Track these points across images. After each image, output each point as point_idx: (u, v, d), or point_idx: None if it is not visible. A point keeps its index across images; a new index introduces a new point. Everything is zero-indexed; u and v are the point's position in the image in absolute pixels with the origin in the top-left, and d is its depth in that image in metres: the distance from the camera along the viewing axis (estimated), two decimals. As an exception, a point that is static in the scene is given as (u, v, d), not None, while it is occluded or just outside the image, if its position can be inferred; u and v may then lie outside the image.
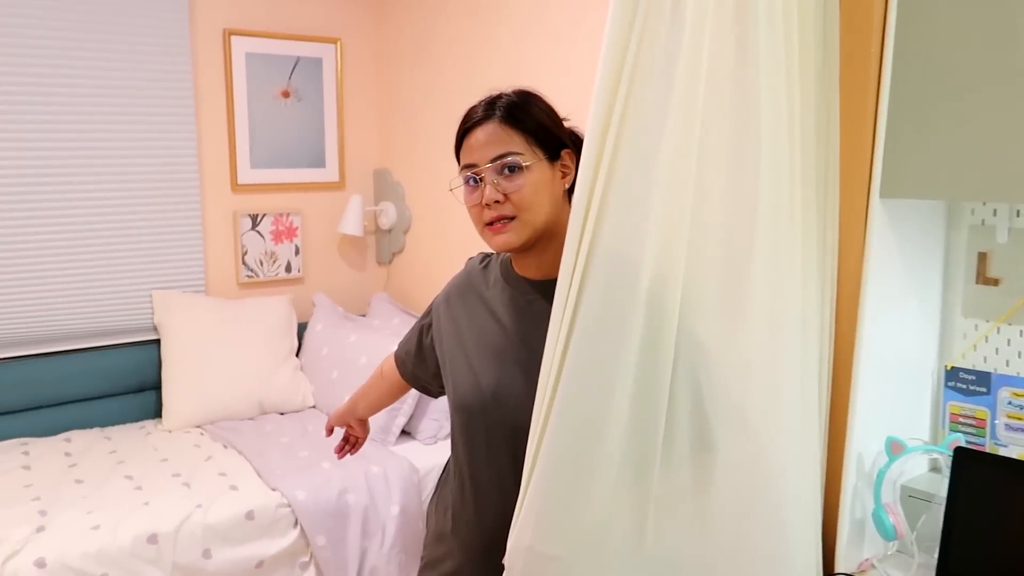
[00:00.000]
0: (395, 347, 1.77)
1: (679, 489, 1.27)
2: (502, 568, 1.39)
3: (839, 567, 1.52)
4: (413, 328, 1.71)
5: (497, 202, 1.34)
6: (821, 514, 1.49)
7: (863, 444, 1.53)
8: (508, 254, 1.51)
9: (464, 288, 1.56)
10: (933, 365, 1.67)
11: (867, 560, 1.56)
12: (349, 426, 1.90)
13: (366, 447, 2.65)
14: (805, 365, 1.40)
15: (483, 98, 1.42)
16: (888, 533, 1.50)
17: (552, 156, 1.39)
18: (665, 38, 1.21)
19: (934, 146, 1.40)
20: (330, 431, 1.92)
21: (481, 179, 1.36)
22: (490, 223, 1.36)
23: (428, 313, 1.65)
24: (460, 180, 1.40)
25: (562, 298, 1.23)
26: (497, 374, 1.44)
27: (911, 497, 1.57)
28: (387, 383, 1.80)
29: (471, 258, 1.62)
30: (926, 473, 1.65)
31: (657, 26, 1.21)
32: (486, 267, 1.56)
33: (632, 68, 1.21)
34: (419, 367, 1.68)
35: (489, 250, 1.54)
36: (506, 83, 1.47)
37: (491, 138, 1.35)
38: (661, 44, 1.21)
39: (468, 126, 1.38)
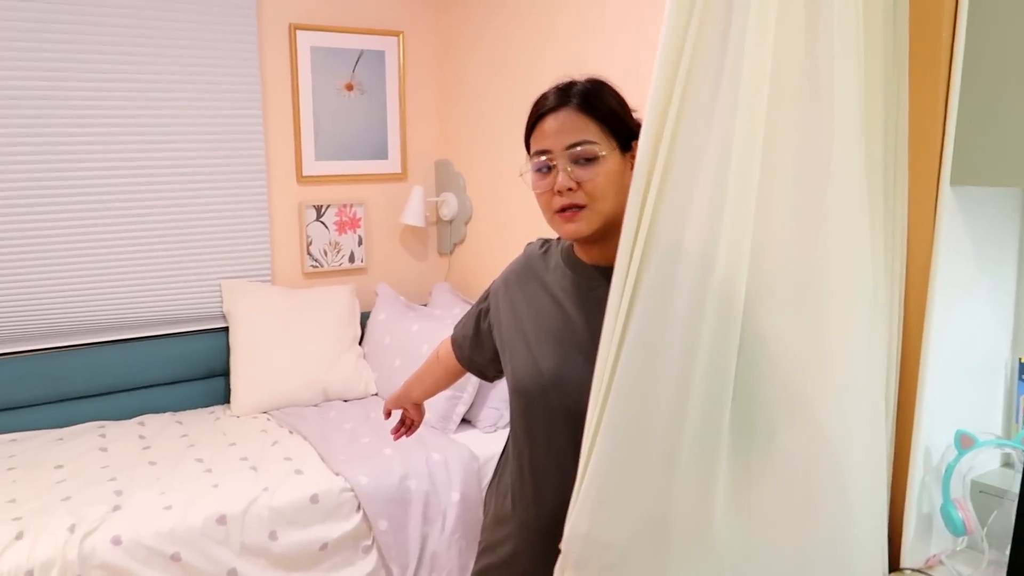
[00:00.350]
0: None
1: (741, 481, 1.26)
2: (559, 551, 1.41)
3: (905, 562, 1.49)
4: (470, 312, 1.72)
5: (570, 190, 1.34)
6: (887, 509, 1.46)
7: (931, 437, 1.49)
8: (549, 239, 1.54)
9: (523, 272, 1.57)
10: (1006, 357, 1.62)
11: (935, 556, 1.52)
12: (405, 409, 1.93)
13: (427, 434, 2.71)
14: (874, 357, 1.37)
15: (555, 84, 1.41)
16: (957, 528, 1.46)
17: (624, 146, 1.39)
18: (725, 22, 1.19)
19: (1009, 132, 1.36)
20: (387, 414, 1.96)
21: (553, 166, 1.35)
22: (561, 210, 1.36)
23: (486, 298, 1.66)
24: (529, 166, 1.40)
25: (619, 286, 1.23)
26: (558, 359, 1.45)
27: (982, 492, 1.52)
28: (443, 367, 1.82)
29: (530, 243, 1.63)
30: (998, 468, 1.60)
31: (717, 10, 1.19)
32: (546, 252, 1.57)
33: (691, 54, 1.20)
34: (476, 351, 1.70)
35: (548, 236, 1.55)
36: (568, 74, 1.47)
37: (566, 125, 1.35)
38: (720, 29, 1.19)
39: (542, 112, 1.38)
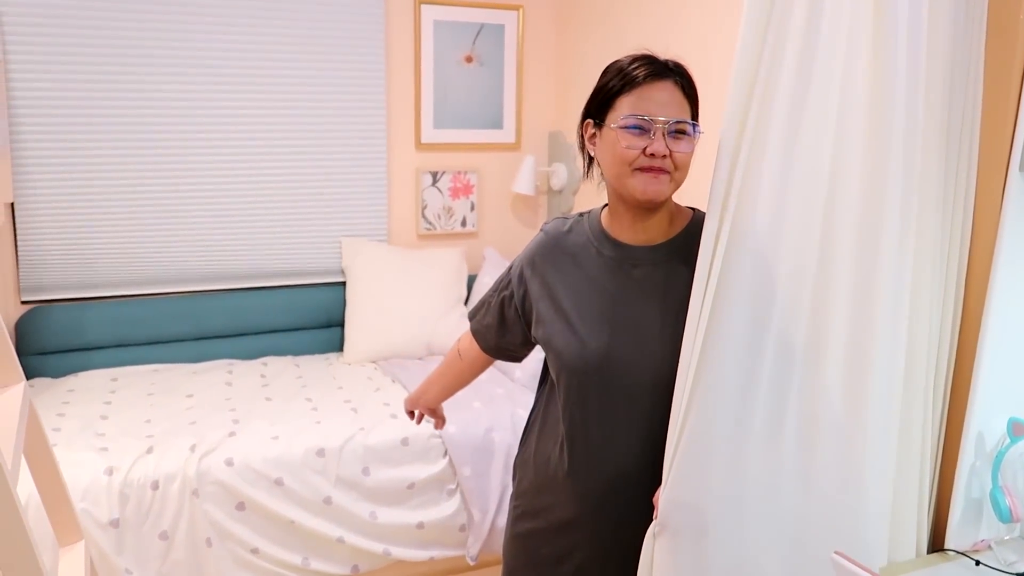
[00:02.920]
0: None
1: (791, 453, 1.36)
2: (616, 514, 1.55)
3: (950, 544, 1.50)
4: (486, 303, 1.72)
5: (663, 156, 1.40)
6: (928, 491, 1.49)
7: (985, 423, 1.49)
8: (596, 219, 1.57)
9: (550, 252, 1.59)
10: (1076, 349, 1.58)
11: (983, 541, 1.52)
12: (422, 411, 1.94)
13: (516, 391, 2.84)
14: (913, 347, 1.41)
15: (641, 54, 1.46)
16: (1004, 515, 1.46)
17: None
18: (801, 25, 1.27)
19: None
20: (410, 414, 1.97)
21: (651, 129, 1.39)
22: (648, 168, 1.40)
23: (507, 285, 1.67)
24: (619, 122, 1.41)
25: (701, 284, 1.34)
26: (606, 337, 1.49)
27: (1039, 483, 1.51)
28: (466, 362, 1.81)
29: (547, 223, 1.65)
30: (1062, 461, 1.57)
31: (790, 17, 1.27)
32: (570, 231, 1.60)
33: (769, 63, 1.28)
34: (504, 338, 1.70)
35: (564, 215, 1.63)
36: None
37: (673, 99, 1.41)
38: (795, 33, 1.27)
39: (647, 75, 1.41)
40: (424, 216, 3.72)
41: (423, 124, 3.64)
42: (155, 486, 2.33)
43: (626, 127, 1.40)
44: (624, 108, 1.41)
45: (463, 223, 3.80)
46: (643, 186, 1.41)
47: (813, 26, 1.28)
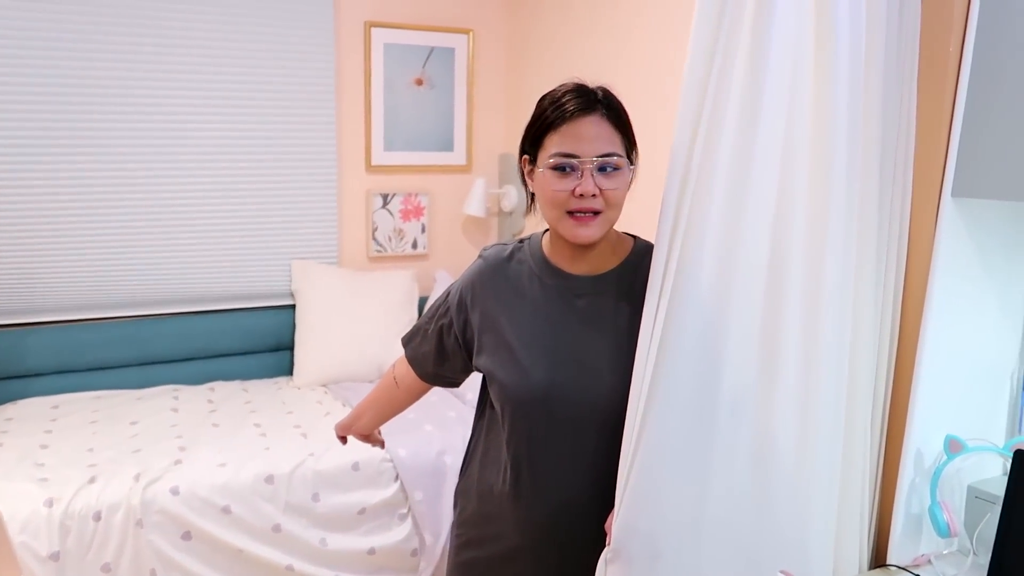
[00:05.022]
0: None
1: (745, 476, 1.38)
2: (562, 542, 1.54)
3: (891, 559, 1.53)
4: (421, 330, 1.66)
5: (593, 195, 1.37)
6: (869, 508, 1.52)
7: (923, 441, 1.53)
8: (537, 247, 1.53)
9: (491, 279, 1.55)
10: (1013, 367, 1.64)
11: (923, 555, 1.56)
12: (358, 437, 1.89)
13: (468, 415, 2.84)
14: (855, 366, 1.45)
15: (571, 86, 1.43)
16: (942, 530, 1.50)
17: (631, 161, 1.45)
18: (751, 39, 1.29)
19: (1012, 147, 1.39)
20: (343, 440, 1.92)
21: (578, 168, 1.37)
22: (577, 213, 1.39)
23: (444, 312, 1.61)
24: (546, 163, 1.40)
25: (652, 309, 1.34)
26: (550, 369, 1.47)
27: (977, 498, 1.55)
28: (402, 389, 1.75)
29: (485, 250, 1.60)
30: (999, 476, 1.62)
31: (741, 34, 1.29)
32: (510, 258, 1.55)
33: (717, 78, 1.29)
34: (442, 367, 1.65)
35: (503, 242, 1.59)
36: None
37: (600, 133, 1.38)
38: (745, 52, 1.29)
39: (574, 111, 1.38)
40: (375, 238, 3.70)
41: (374, 146, 3.63)
42: (97, 517, 2.27)
43: (554, 168, 1.38)
44: (552, 147, 1.39)
45: (414, 245, 3.80)
46: (573, 231, 1.40)
47: (759, 66, 1.29)
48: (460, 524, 1.67)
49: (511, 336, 1.51)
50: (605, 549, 1.41)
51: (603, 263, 1.50)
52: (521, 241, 1.59)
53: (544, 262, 1.52)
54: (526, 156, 1.48)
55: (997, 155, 1.40)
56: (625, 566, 1.38)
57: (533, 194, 1.49)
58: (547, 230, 1.54)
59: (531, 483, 1.52)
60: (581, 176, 1.37)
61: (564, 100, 1.40)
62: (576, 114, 1.38)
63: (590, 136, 1.37)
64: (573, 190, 1.37)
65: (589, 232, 1.40)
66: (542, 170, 1.41)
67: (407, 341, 1.71)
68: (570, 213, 1.40)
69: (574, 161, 1.37)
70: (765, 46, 1.28)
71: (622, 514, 1.38)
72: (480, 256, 1.60)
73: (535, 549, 1.56)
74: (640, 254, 1.50)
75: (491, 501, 1.59)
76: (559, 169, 1.38)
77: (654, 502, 1.36)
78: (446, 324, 1.61)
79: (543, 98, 1.45)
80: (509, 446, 1.54)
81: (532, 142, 1.45)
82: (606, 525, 1.45)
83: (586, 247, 1.47)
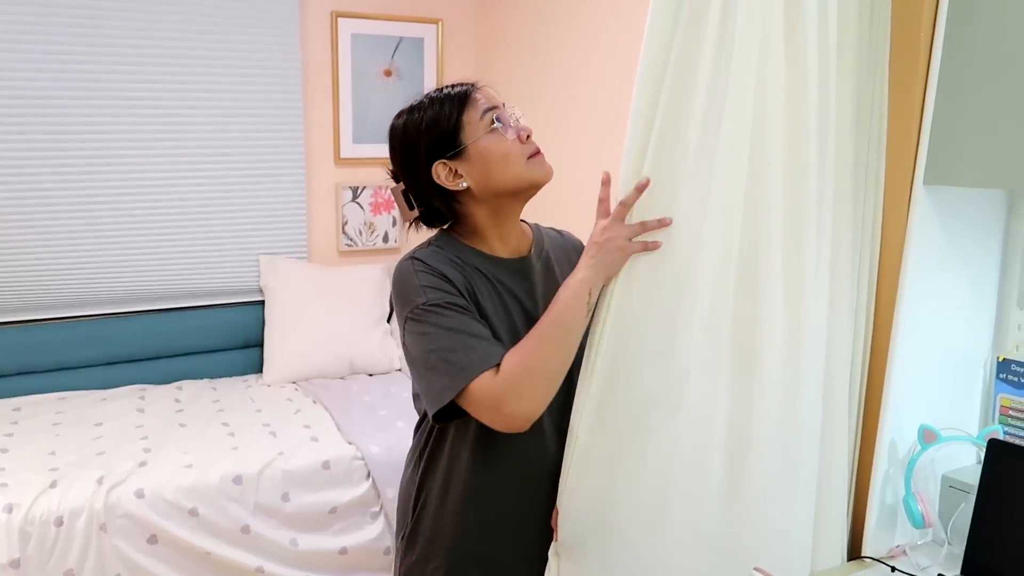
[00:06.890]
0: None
1: (715, 466, 1.36)
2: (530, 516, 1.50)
3: (867, 551, 1.52)
4: (461, 329, 1.34)
5: (529, 135, 1.42)
6: (846, 499, 1.51)
7: (897, 431, 1.52)
8: (460, 247, 1.44)
9: (460, 277, 1.40)
10: (985, 356, 1.63)
11: (899, 546, 1.55)
12: None
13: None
14: (832, 357, 1.43)
15: (440, 90, 1.44)
16: (916, 520, 1.49)
17: None
18: (712, 34, 1.27)
19: (982, 135, 1.37)
20: None
21: (503, 121, 1.41)
22: (535, 152, 1.43)
23: (452, 304, 1.36)
24: (485, 127, 1.39)
25: (608, 290, 1.34)
26: None
27: (951, 488, 1.55)
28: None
29: (414, 259, 1.41)
30: (973, 465, 1.61)
31: (703, 25, 1.27)
32: (449, 262, 1.41)
33: (675, 66, 1.28)
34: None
35: (413, 253, 1.43)
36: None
37: (496, 93, 1.45)
38: (707, 41, 1.27)
39: (465, 87, 1.42)
40: (345, 232, 3.65)
41: (342, 139, 3.58)
42: (59, 522, 2.21)
43: (496, 124, 1.40)
44: (475, 116, 1.39)
45: (385, 239, 3.74)
46: (542, 168, 1.43)
47: (722, 62, 1.28)
48: (458, 541, 1.52)
49: (502, 331, 1.43)
50: (552, 544, 1.40)
51: (523, 242, 1.52)
52: (427, 252, 1.44)
53: (479, 255, 1.45)
54: (440, 162, 1.40)
55: (968, 142, 1.39)
56: (578, 560, 1.38)
57: (449, 203, 1.43)
58: (444, 233, 1.48)
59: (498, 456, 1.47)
60: (514, 123, 1.42)
61: (444, 89, 1.44)
62: (471, 89, 1.43)
63: (492, 94, 1.44)
64: (519, 136, 1.41)
65: (549, 164, 1.45)
66: (481, 137, 1.39)
67: (471, 345, 1.33)
68: (529, 158, 1.42)
69: (504, 112, 1.42)
70: (731, 30, 1.26)
71: (564, 497, 1.38)
72: (416, 258, 1.41)
73: (526, 564, 1.50)
74: (536, 229, 1.57)
75: (487, 516, 1.50)
76: (499, 123, 1.40)
77: (601, 492, 1.35)
78: (463, 305, 1.37)
79: (427, 104, 1.42)
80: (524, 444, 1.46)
81: (448, 138, 1.39)
82: (551, 521, 1.44)
83: (511, 222, 1.48)
